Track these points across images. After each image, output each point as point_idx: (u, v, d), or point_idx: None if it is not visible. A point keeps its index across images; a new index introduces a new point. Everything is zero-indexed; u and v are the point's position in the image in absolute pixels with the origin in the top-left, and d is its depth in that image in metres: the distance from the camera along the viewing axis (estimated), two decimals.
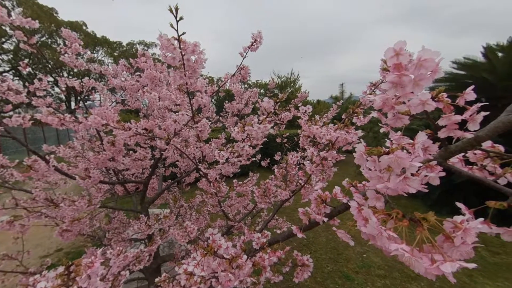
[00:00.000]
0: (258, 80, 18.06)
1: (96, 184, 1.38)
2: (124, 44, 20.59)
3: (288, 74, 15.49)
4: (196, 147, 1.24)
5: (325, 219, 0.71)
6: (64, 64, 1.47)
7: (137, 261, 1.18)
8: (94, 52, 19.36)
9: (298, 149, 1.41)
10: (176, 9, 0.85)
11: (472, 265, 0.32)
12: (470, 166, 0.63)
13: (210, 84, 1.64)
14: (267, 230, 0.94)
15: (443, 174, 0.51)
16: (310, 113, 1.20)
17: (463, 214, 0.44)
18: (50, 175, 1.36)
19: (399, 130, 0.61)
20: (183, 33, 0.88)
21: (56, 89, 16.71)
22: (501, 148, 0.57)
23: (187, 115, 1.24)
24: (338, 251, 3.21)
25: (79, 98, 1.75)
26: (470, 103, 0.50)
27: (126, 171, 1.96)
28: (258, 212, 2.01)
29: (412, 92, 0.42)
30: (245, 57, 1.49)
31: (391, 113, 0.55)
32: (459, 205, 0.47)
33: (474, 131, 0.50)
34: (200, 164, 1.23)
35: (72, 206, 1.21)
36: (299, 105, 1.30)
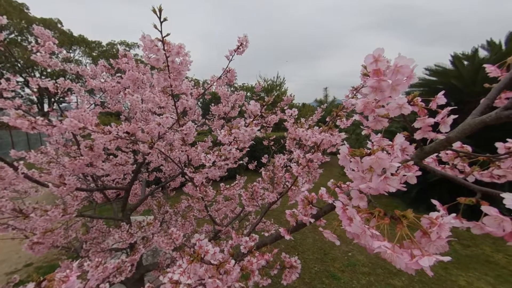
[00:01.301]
0: (244, 83, 18.13)
1: (72, 192, 1.29)
2: (104, 44, 19.70)
3: (274, 77, 15.71)
4: (182, 151, 1.21)
5: (312, 220, 0.72)
6: (36, 63, 1.37)
7: (118, 272, 1.12)
8: (71, 51, 18.31)
9: (284, 152, 1.43)
10: (160, 10, 0.83)
11: (447, 258, 0.34)
12: (443, 166, 0.68)
13: (195, 87, 1.61)
14: (255, 233, 0.93)
15: (419, 173, 0.55)
16: (296, 116, 1.22)
17: (438, 211, 0.47)
18: (19, 183, 1.25)
19: (379, 132, 0.65)
20: (167, 35, 0.87)
21: (27, 90, 15.48)
22: (468, 149, 0.62)
23: (171, 118, 1.21)
24: (324, 251, 3.28)
25: (53, 100, 1.63)
26: (441, 107, 0.54)
27: (106, 177, 1.86)
28: (245, 215, 2.00)
29: (390, 97, 0.44)
30: (231, 60, 1.49)
31: (371, 116, 0.58)
32: (434, 202, 0.51)
33: (445, 132, 0.54)
34: (186, 168, 1.20)
35: (44, 216, 1.12)
36: (285, 108, 1.32)
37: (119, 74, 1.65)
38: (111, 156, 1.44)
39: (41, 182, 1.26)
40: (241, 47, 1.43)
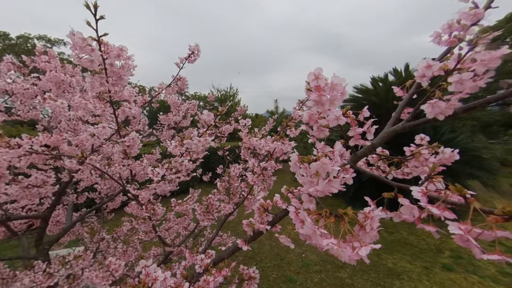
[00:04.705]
0: (197, 92, 17.64)
1: None
2: (13, 36, 15.82)
3: (227, 88, 15.92)
4: (123, 165, 1.06)
5: (268, 227, 0.74)
6: None
7: None
8: None
9: (240, 161, 1.44)
10: (95, 7, 0.73)
11: (378, 246, 0.40)
12: (371, 167, 0.82)
13: (141, 94, 1.46)
14: (211, 249, 0.88)
15: (354, 175, 0.64)
16: (250, 126, 1.26)
17: (370, 206, 0.55)
18: None
19: (322, 140, 0.73)
20: (105, 34, 0.77)
21: None
22: (387, 152, 0.77)
23: (110, 127, 1.05)
24: (281, 256, 3.37)
25: None
26: (366, 119, 0.65)
27: (12, 203, 1.43)
28: (200, 231, 1.88)
29: (329, 109, 0.51)
30: (181, 68, 1.43)
31: (315, 126, 0.65)
32: (366, 199, 0.60)
33: (371, 140, 0.66)
34: (129, 185, 1.05)
35: None
36: (239, 118, 1.34)
37: (35, 75, 1.35)
38: (20, 177, 1.13)
39: None
40: (192, 55, 1.39)
